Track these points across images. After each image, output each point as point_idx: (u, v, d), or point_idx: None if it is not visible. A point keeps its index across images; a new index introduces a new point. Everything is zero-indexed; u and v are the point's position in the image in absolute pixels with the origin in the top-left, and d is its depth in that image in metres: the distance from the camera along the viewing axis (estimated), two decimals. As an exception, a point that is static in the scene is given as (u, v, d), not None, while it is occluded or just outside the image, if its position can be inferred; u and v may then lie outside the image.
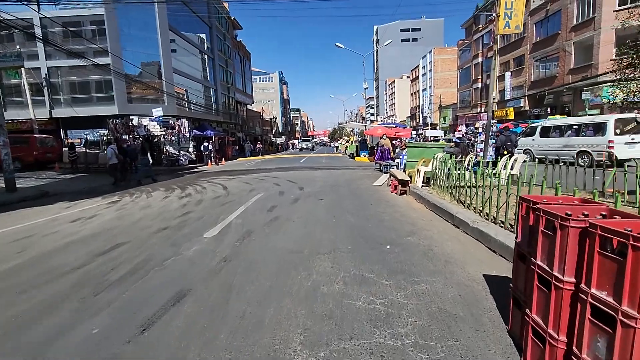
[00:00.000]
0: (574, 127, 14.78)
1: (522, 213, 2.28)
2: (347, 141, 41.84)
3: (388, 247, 4.20)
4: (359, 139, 43.30)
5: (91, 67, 20.41)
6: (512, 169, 8.06)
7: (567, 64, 25.45)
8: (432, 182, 8.12)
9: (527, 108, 31.03)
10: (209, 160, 22.49)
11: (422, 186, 8.44)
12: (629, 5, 21.03)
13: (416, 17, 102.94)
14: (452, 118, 52.06)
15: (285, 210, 6.47)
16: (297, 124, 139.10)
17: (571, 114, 24.30)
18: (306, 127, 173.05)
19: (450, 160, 7.25)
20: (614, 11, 21.57)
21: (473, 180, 5.80)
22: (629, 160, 11.72)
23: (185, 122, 24.25)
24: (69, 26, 20.94)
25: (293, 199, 7.82)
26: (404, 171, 10.76)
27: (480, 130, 17.06)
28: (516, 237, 2.35)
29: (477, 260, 3.71)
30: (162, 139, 22.63)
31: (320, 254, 3.94)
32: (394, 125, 22.34)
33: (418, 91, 66.61)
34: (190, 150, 24.44)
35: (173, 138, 23.08)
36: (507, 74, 33.17)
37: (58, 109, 21.95)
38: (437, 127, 53.58)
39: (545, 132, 15.70)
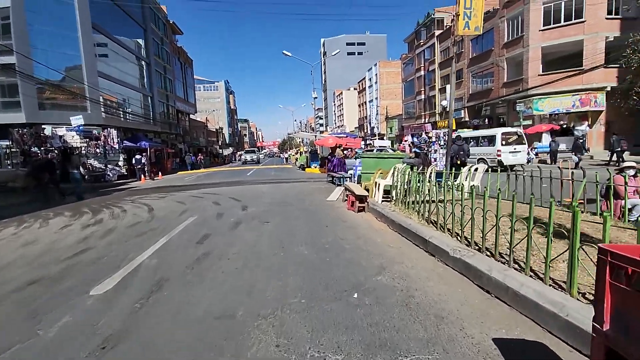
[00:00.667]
0: (476, 138, 18.02)
1: (610, 279, 1.28)
2: (297, 152, 40.87)
3: (355, 295, 3.09)
4: (309, 149, 42.69)
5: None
6: (472, 179, 7.55)
7: (501, 78, 27.17)
8: (393, 196, 7.27)
9: (467, 119, 32.65)
10: (142, 175, 19.93)
11: (382, 201, 7.56)
12: (552, 26, 23.01)
13: (361, 32, 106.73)
14: (398, 128, 53.78)
15: (220, 241, 5.10)
16: (245, 135, 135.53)
17: (506, 124, 25.82)
18: (255, 138, 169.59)
19: (410, 172, 6.46)
20: (539, 30, 23.41)
21: (439, 194, 5.00)
22: (513, 166, 15.36)
23: (113, 132, 21.45)
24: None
25: (233, 222, 6.44)
26: (359, 184, 9.91)
27: (433, 139, 17.00)
28: (596, 320, 1.35)
29: (476, 312, 2.74)
30: (84, 151, 19.62)
31: (260, 318, 2.70)
32: (345, 135, 21.80)
33: (365, 102, 68.25)
34: (121, 163, 21.65)
35: (98, 150, 20.16)
36: (448, 87, 34.72)
37: (-55, 116, 17.98)
38: (385, 137, 54.98)
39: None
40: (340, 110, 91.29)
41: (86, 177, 19.80)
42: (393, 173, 7.50)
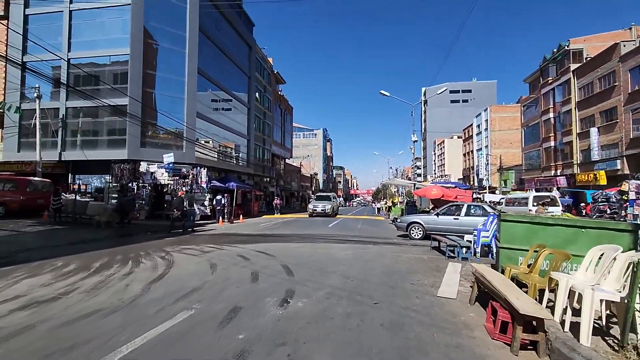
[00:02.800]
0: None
1: None
2: (390, 202, 36.72)
3: None
4: (405, 200, 38.06)
5: (107, 109, 18.54)
6: None
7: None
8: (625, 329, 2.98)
9: (626, 171, 24.22)
10: (220, 217, 18.64)
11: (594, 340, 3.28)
12: None
13: (466, 79, 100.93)
14: (515, 181, 45.15)
15: None
16: (340, 182, 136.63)
17: None
18: (350, 186, 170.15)
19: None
20: None
21: None
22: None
23: (203, 171, 21.21)
24: (92, 66, 19.82)
25: (236, 351, 3.09)
26: (496, 266, 5.70)
27: (632, 195, 11.41)
28: None
29: None
30: (173, 189, 19.51)
31: None
32: (453, 186, 17.27)
33: (472, 151, 60.87)
34: (206, 203, 21.01)
35: (184, 189, 19.88)
36: (593, 130, 27.06)
37: (69, 152, 20.10)
38: (496, 191, 46.66)
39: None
40: (441, 160, 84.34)
41: (171, 215, 19.56)
42: (602, 265, 3.28)
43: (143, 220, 18.55)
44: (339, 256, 8.09)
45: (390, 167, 75.03)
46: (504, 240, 5.72)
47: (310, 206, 26.69)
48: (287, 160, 51.62)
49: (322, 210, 25.41)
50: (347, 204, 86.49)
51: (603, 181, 25.69)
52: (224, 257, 7.58)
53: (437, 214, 11.88)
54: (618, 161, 24.66)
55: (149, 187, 19.52)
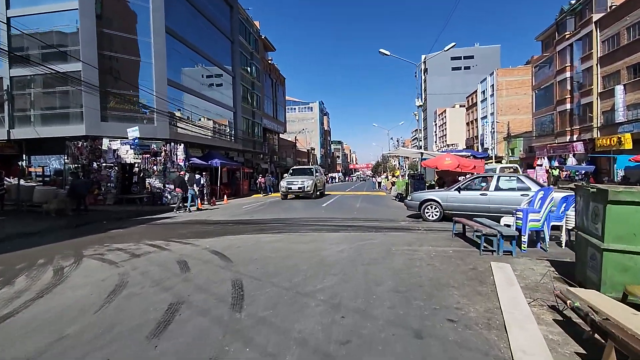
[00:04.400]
0: None
1: None
2: (392, 176, 34.23)
3: None
4: (405, 173, 35.49)
5: (60, 78, 15.59)
6: None
7: None
8: None
9: (657, 133, 21.55)
10: (199, 200, 16.08)
11: None
12: None
13: (469, 45, 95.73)
14: (524, 149, 42.50)
15: None
16: (338, 157, 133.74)
17: None
18: (348, 160, 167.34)
19: None
20: None
21: None
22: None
23: (180, 147, 18.55)
24: (37, 25, 16.65)
25: None
26: (594, 279, 3.22)
27: None
28: None
29: None
30: (142, 168, 16.94)
31: None
32: (469, 154, 14.68)
33: (476, 120, 57.76)
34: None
35: (156, 167, 17.29)
36: (619, 88, 24.10)
37: (20, 129, 17.32)
38: (503, 161, 44.08)
39: None
40: (442, 131, 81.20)
41: (145, 198, 17.09)
42: None
43: (111, 206, 16.10)
44: (329, 256, 5.60)
45: (391, 138, 72.02)
46: (614, 237, 3.19)
47: (282, 184, 19.13)
48: (281, 135, 48.68)
49: (299, 188, 18.51)
50: (346, 178, 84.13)
51: (628, 145, 23.04)
52: (153, 266, 5.08)
53: (459, 189, 9.34)
54: (648, 122, 21.91)
55: (116, 168, 16.91)
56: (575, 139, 29.57)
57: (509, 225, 6.55)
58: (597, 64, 26.82)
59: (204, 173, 17.57)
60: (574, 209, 6.24)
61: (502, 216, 7.35)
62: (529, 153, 40.06)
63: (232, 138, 28.59)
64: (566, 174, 27.24)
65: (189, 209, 14.36)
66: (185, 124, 21.50)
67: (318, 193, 20.08)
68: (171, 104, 19.40)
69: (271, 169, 41.02)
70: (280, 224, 9.57)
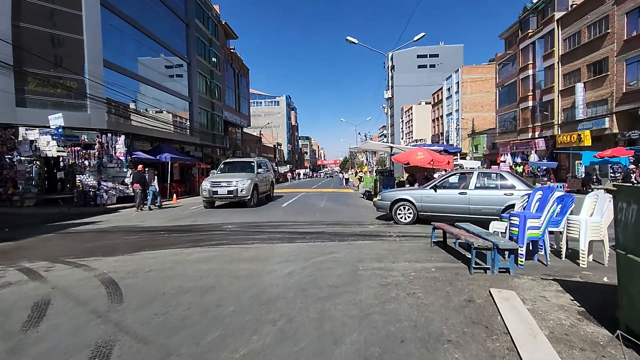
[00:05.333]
0: None
1: None
2: (360, 171, 33.22)
3: None
4: (373, 169, 34.61)
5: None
6: None
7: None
8: None
9: (615, 130, 22.00)
10: (141, 201, 13.76)
11: None
12: None
13: (434, 43, 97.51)
14: (487, 146, 43.25)
15: None
16: (306, 153, 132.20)
17: None
18: (316, 157, 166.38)
19: None
20: None
21: None
22: None
23: (120, 139, 16.15)
24: None
25: None
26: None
27: None
28: None
29: None
30: (71, 163, 14.40)
31: None
32: (441, 149, 13.70)
33: (441, 116, 58.48)
34: (127, 181, 16.07)
35: (87, 162, 14.81)
36: (579, 86, 24.46)
37: None
38: (468, 157, 44.72)
39: None
40: (409, 127, 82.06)
41: (76, 198, 14.56)
42: None
43: (30, 208, 13.50)
44: (272, 284, 4.03)
45: (359, 133, 71.32)
46: None
47: (204, 185, 12.74)
48: (245, 130, 46.28)
49: (228, 192, 12.18)
50: (314, 175, 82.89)
51: (588, 142, 23.47)
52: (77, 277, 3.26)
53: (435, 187, 8.13)
54: (607, 119, 22.31)
55: (38, 163, 14.24)
56: (537, 136, 30.07)
57: (503, 233, 5.33)
58: (558, 62, 27.22)
59: (148, 169, 15.34)
60: (570, 212, 5.19)
61: (489, 220, 6.17)
62: (492, 150, 40.74)
63: (189, 131, 26.15)
64: (528, 170, 27.54)
65: (150, 206, 13.69)
66: (129, 114, 18.95)
67: (262, 197, 14.20)
68: (109, 89, 16.84)
69: (234, 164, 38.69)
70: (223, 231, 7.86)
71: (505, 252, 4.55)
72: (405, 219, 8.35)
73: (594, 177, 19.53)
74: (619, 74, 21.41)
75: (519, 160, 31.14)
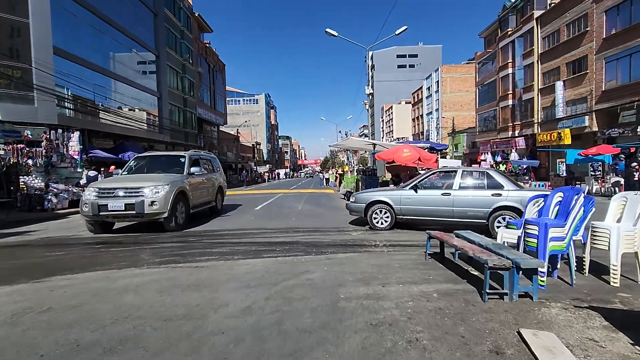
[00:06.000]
0: None
1: None
2: (341, 171, 32.25)
3: None
4: (354, 168, 33.74)
5: None
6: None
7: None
8: None
9: (594, 128, 21.98)
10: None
11: None
12: None
13: (413, 43, 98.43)
14: (467, 145, 43.34)
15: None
16: (287, 152, 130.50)
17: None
18: (297, 156, 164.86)
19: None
20: None
21: None
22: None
23: (74, 136, 14.43)
24: None
25: None
26: None
27: None
28: None
29: None
30: (12, 162, 12.60)
31: None
32: (427, 146, 12.82)
33: (421, 116, 58.54)
34: (83, 182, 14.35)
35: (33, 161, 13.04)
36: (559, 84, 24.41)
37: None
38: (448, 156, 44.72)
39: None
40: (389, 127, 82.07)
41: (19, 203, 12.75)
42: None
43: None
44: (218, 330, 2.84)
45: (339, 132, 70.56)
46: None
47: (86, 196, 7.43)
48: (222, 128, 44.45)
49: (127, 206, 7.16)
50: (294, 175, 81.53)
51: (567, 140, 23.42)
52: None
53: (415, 187, 7.20)
54: (586, 117, 22.27)
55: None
56: (517, 135, 30.04)
57: (516, 246, 4.36)
58: (538, 60, 27.18)
59: (103, 170, 13.69)
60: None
61: (473, 224, 5.20)
62: (472, 148, 40.81)
63: (158, 128, 24.36)
64: (510, 169, 27.39)
65: None
66: (87, 108, 17.16)
67: (204, 210, 9.92)
68: (62, 80, 15.05)
69: (209, 164, 36.85)
70: (175, 242, 6.57)
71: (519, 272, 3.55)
72: (381, 223, 7.36)
73: (575, 174, 19.35)
74: (598, 72, 21.38)
75: (499, 159, 31.06)
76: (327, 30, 19.12)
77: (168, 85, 26.03)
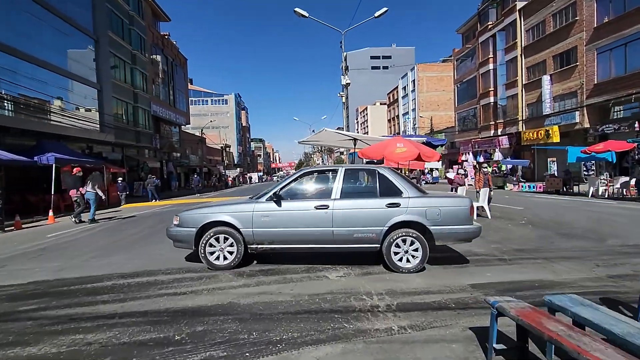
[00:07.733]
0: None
1: None
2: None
3: None
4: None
5: None
6: None
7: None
8: None
9: (586, 125, 20.49)
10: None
11: None
12: None
13: (386, 45, 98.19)
14: (446, 146, 41.80)
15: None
16: (260, 156, 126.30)
17: None
18: (271, 160, 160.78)
19: None
20: None
21: None
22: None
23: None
24: None
25: None
26: None
27: None
28: None
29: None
30: None
31: None
32: (425, 140, 10.22)
33: (397, 116, 57.00)
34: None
35: None
36: (545, 79, 22.88)
37: None
38: (426, 158, 43.12)
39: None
40: (364, 128, 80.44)
41: None
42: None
43: None
44: None
45: (313, 131, 67.86)
46: None
47: None
48: (185, 129, 40.53)
49: None
50: (267, 178, 77.94)
51: (556, 138, 21.89)
52: None
53: (277, 198, 4.57)
54: (577, 113, 20.76)
55: None
56: (500, 133, 28.51)
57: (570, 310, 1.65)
58: (521, 54, 25.70)
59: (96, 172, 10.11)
60: None
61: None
62: (451, 149, 39.28)
63: (99, 125, 20.55)
64: (495, 169, 25.69)
65: (79, 219, 10.40)
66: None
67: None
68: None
69: (169, 168, 33.04)
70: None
71: None
72: (222, 259, 4.59)
73: (573, 174, 17.58)
74: (590, 64, 19.90)
75: (481, 159, 29.39)
76: (296, 9, 16.35)
77: (113, 77, 22.25)
